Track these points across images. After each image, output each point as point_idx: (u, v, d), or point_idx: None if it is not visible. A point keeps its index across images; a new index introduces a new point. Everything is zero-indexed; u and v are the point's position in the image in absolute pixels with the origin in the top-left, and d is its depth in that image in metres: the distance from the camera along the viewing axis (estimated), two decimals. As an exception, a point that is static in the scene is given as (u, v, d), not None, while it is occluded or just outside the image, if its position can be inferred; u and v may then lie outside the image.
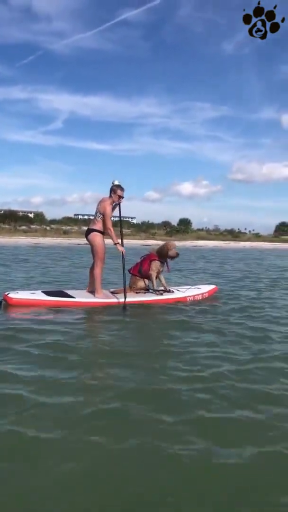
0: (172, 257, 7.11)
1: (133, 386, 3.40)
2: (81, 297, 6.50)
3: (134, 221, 62.27)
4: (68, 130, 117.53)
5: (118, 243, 6.41)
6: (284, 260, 22.81)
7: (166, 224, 61.86)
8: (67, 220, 59.40)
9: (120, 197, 6.50)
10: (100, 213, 6.49)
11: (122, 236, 6.63)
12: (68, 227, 53.56)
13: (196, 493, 2.14)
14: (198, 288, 7.64)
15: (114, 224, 6.87)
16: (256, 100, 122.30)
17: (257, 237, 64.70)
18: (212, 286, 7.88)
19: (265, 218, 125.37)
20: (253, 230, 70.67)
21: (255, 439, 2.65)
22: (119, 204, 6.59)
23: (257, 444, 2.59)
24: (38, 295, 6.31)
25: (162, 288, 7.12)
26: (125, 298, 6.34)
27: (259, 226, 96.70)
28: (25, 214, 60.69)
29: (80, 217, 68.63)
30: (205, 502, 2.07)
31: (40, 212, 60.70)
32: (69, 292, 6.69)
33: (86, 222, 61.34)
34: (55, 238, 42.92)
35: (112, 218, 6.62)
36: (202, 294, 7.37)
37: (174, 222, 64.33)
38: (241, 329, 5.40)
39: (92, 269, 6.67)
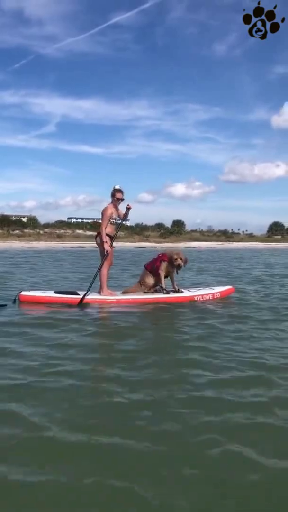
0: (177, 267, 7.02)
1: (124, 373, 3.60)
2: (88, 296, 6.74)
3: (128, 223, 62.31)
4: (61, 133, 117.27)
5: (106, 241, 6.78)
6: (280, 257, 22.97)
7: (159, 226, 62.01)
8: (61, 224, 59.28)
9: (119, 199, 6.90)
10: (102, 217, 6.92)
11: (114, 238, 6.96)
12: (62, 231, 53.46)
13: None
14: (210, 288, 7.52)
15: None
16: (248, 101, 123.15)
17: (251, 237, 65.07)
18: (227, 287, 7.71)
19: (258, 218, 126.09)
20: (246, 230, 71.12)
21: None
22: (128, 209, 6.97)
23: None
24: (48, 294, 6.80)
25: (172, 288, 7.18)
26: (84, 295, 6.61)
27: (252, 226, 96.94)
28: (18, 218, 60.45)
29: (73, 220, 68.48)
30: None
31: (33, 216, 60.46)
32: (80, 292, 6.99)
33: (79, 225, 61.29)
34: (49, 242, 42.88)
35: (114, 220, 6.93)
36: (213, 294, 7.24)
37: (168, 223, 64.64)
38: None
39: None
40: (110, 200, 6.98)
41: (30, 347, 4.23)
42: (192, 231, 66.24)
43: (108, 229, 6.85)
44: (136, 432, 2.52)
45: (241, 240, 60.18)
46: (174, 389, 3.16)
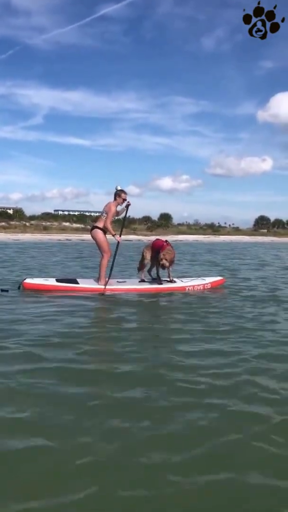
0: (161, 266, 7.42)
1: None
2: (87, 284, 7.24)
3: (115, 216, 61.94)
4: (48, 125, 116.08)
5: (115, 234, 7.34)
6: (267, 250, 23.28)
7: (147, 219, 61.84)
8: (47, 216, 58.75)
9: (124, 199, 7.50)
10: (105, 213, 7.40)
11: (122, 229, 7.66)
12: (48, 223, 52.96)
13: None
14: (202, 279, 7.91)
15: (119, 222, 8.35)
16: (236, 95, 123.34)
17: (237, 231, 65.39)
18: (218, 278, 8.13)
19: (244, 213, 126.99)
20: (233, 224, 71.40)
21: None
22: (127, 206, 7.59)
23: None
24: (50, 282, 7.16)
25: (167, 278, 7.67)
26: (105, 285, 7.06)
27: (238, 220, 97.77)
28: (4, 210, 59.65)
29: (60, 212, 67.94)
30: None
31: (19, 208, 59.81)
32: (79, 279, 7.44)
33: (66, 218, 60.79)
34: (35, 234, 42.42)
35: (114, 218, 7.55)
36: (204, 285, 7.64)
37: (155, 217, 64.48)
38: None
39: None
40: (112, 198, 7.47)
41: (33, 325, 4.80)
42: (179, 224, 66.32)
43: (102, 222, 7.38)
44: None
45: (227, 233, 60.41)
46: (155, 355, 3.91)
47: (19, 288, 7.01)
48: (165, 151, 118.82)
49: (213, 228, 64.29)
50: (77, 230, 50.87)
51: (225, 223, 71.63)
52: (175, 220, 67.02)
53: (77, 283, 7.20)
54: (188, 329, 4.88)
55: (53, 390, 3.04)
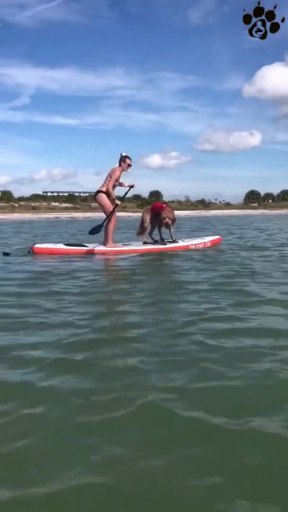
0: (164, 225, 7.61)
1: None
2: (95, 247, 7.42)
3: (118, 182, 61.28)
4: (35, 105, 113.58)
5: (115, 198, 7.41)
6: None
7: (136, 197, 61.40)
8: (36, 197, 58.09)
9: (129, 165, 7.51)
10: (109, 176, 7.38)
11: (124, 196, 8.05)
12: (37, 203, 52.45)
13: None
14: (202, 238, 8.39)
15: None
16: (223, 69, 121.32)
17: (228, 205, 65.36)
18: (216, 237, 8.60)
19: (234, 188, 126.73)
20: (223, 200, 71.23)
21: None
22: (130, 187, 7.69)
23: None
24: (59, 246, 7.46)
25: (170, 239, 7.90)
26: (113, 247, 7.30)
27: (229, 196, 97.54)
28: (-9, 192, 58.82)
29: (49, 194, 67.08)
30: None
31: (7, 191, 58.85)
32: (87, 244, 7.66)
33: (55, 198, 60.12)
34: (24, 214, 42.00)
35: (116, 184, 7.49)
36: (204, 243, 8.04)
37: (145, 194, 64.02)
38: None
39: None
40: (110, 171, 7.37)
41: (44, 288, 4.50)
42: (170, 201, 65.99)
43: (105, 187, 7.35)
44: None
45: (218, 208, 60.41)
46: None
47: (29, 252, 7.22)
48: (154, 128, 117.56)
49: (204, 204, 64.20)
50: (66, 209, 50.47)
51: (216, 199, 71.48)
52: (165, 198, 66.51)
53: (83, 246, 7.45)
54: (196, 281, 4.82)
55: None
